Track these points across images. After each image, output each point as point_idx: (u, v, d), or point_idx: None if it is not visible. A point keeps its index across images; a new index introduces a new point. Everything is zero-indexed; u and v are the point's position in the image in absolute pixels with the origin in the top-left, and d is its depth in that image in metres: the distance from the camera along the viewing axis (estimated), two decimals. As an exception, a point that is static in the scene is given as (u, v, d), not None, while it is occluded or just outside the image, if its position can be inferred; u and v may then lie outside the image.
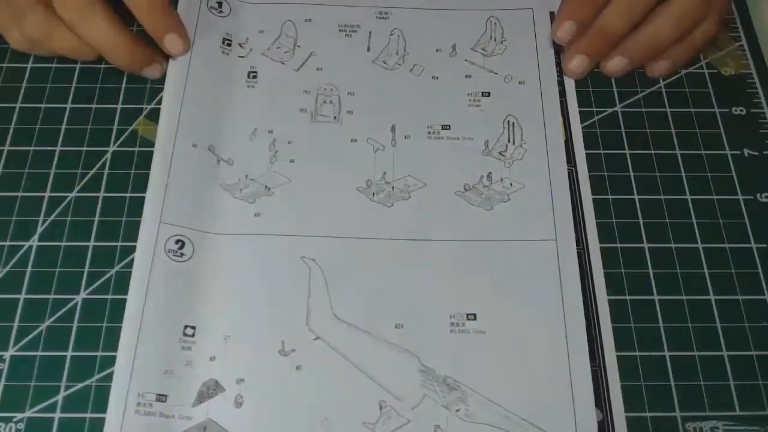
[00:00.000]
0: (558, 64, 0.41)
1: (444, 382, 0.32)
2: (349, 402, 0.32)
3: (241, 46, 0.41)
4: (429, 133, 0.38)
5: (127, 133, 0.38)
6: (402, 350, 0.33)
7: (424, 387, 0.32)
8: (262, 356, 0.32)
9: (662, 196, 0.37)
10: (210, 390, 0.32)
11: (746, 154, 0.39)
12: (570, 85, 0.40)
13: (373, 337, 0.33)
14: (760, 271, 0.35)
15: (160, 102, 0.39)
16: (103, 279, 0.35)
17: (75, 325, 0.33)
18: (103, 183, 0.37)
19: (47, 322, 0.34)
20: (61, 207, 0.36)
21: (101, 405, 0.31)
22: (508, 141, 0.38)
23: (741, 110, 0.40)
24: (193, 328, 0.33)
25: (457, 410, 0.32)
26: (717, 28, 0.40)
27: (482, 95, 0.40)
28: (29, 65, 0.40)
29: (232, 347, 0.33)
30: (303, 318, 0.33)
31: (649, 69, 0.40)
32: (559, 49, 0.41)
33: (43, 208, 0.36)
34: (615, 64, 0.40)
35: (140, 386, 0.31)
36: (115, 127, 0.39)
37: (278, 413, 0.31)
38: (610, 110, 0.40)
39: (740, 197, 0.37)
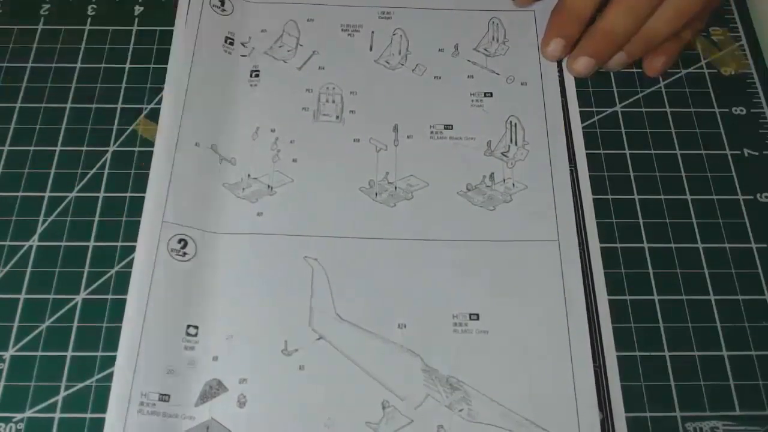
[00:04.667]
0: (558, 64, 0.41)
1: (447, 382, 0.32)
2: (352, 402, 0.32)
3: (243, 45, 0.41)
4: (432, 133, 0.38)
5: (127, 133, 0.38)
6: (405, 350, 0.33)
7: (427, 387, 0.32)
8: (265, 356, 0.32)
9: (662, 196, 0.37)
10: (213, 390, 0.32)
11: (746, 154, 0.39)
12: (570, 85, 0.40)
13: (376, 336, 0.33)
14: (760, 271, 0.35)
15: (160, 102, 0.39)
16: (103, 279, 0.34)
17: (75, 325, 0.33)
18: (103, 183, 0.37)
19: (47, 322, 0.33)
20: (61, 207, 0.36)
21: (101, 405, 0.31)
22: (511, 142, 0.38)
23: (741, 110, 0.40)
24: (196, 327, 0.33)
25: (460, 410, 0.32)
26: (705, 22, 0.41)
27: (485, 95, 0.39)
28: (29, 65, 0.40)
29: (235, 347, 0.32)
30: (306, 318, 0.33)
31: (647, 68, 0.40)
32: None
33: (43, 208, 0.36)
34: (614, 60, 0.40)
35: (143, 386, 0.31)
36: (115, 127, 0.39)
37: (281, 413, 0.31)
38: (610, 110, 0.40)
39: (740, 197, 0.37)
